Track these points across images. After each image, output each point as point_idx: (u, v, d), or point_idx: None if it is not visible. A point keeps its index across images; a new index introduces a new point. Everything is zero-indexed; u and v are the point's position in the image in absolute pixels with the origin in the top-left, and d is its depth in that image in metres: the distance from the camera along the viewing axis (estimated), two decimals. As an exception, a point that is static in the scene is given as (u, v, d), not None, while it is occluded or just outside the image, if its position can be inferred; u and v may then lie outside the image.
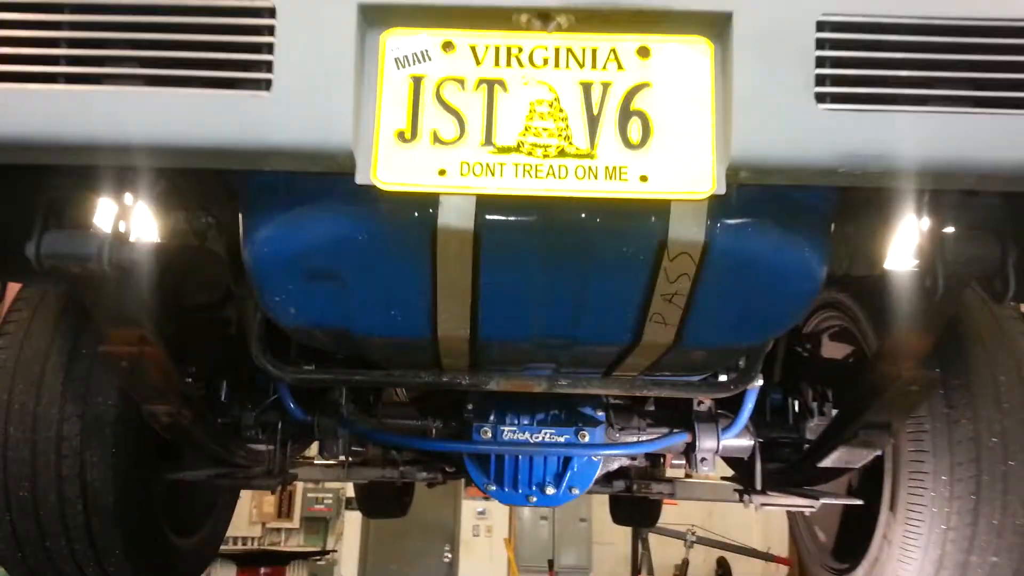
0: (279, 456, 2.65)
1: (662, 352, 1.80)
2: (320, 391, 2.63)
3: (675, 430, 2.64)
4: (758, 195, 1.40)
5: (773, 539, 13.28)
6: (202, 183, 1.59)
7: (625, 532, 12.65)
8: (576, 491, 2.62)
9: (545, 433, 2.51)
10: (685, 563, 11.89)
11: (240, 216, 1.56)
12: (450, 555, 13.52)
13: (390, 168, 1.23)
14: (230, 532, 12.84)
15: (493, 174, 1.22)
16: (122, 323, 1.74)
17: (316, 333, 1.79)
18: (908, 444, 2.19)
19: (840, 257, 1.73)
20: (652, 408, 2.82)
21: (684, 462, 2.80)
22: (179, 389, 2.01)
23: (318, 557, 13.17)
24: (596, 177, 1.23)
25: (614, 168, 1.23)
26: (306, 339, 1.91)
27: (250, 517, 14.09)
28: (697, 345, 1.75)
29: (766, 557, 12.21)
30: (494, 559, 13.22)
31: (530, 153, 1.23)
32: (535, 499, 2.61)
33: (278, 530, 14.25)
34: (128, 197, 1.50)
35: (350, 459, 3.85)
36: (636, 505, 7.38)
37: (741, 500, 2.79)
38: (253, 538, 14.09)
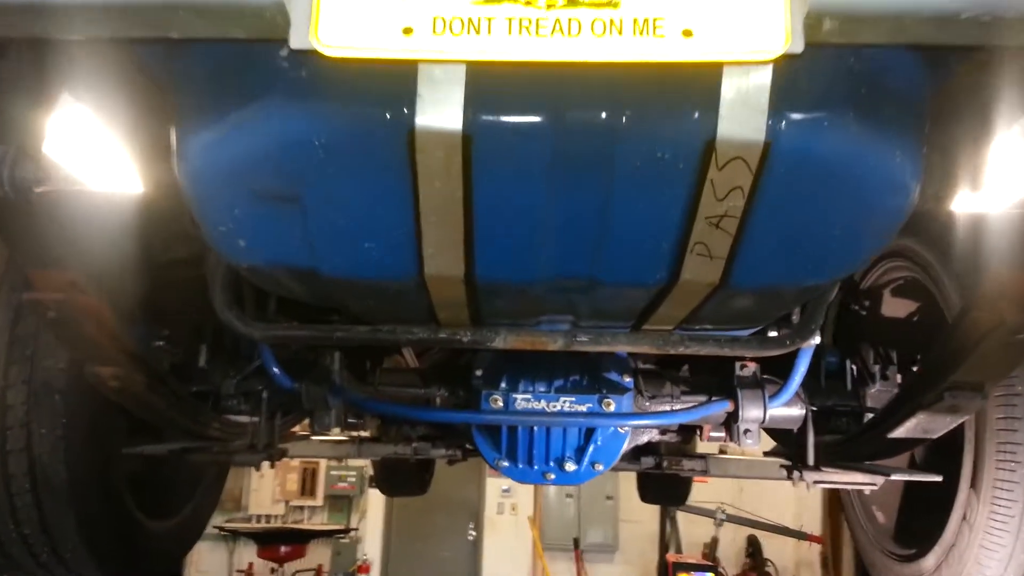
0: (265, 429, 2.35)
1: (704, 296, 1.45)
2: (311, 357, 2.32)
3: (715, 398, 2.29)
4: (839, 73, 1.04)
5: (806, 517, 12.91)
6: (126, 83, 1.26)
7: (653, 510, 12.35)
8: (600, 467, 2.29)
9: (564, 401, 2.18)
10: (715, 541, 11.61)
11: (172, 125, 1.24)
12: (474, 533, 13.34)
13: (336, 27, 0.90)
14: (254, 510, 12.73)
15: (478, 31, 0.88)
16: (45, 264, 1.44)
17: (279, 276, 1.46)
18: (996, 411, 1.84)
19: (934, 176, 1.35)
20: (687, 373, 2.48)
21: (723, 434, 2.45)
22: (128, 349, 1.70)
23: (341, 535, 13.05)
24: (620, 33, 0.88)
25: (645, 20, 0.88)
26: (273, 286, 1.59)
27: (273, 495, 14.03)
28: (750, 287, 1.40)
29: (799, 535, 11.88)
30: (519, 537, 13.02)
31: (528, 2, 0.88)
32: (553, 476, 2.28)
33: (301, 508, 14.14)
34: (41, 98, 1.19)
35: (359, 434, 3.57)
36: (665, 483, 7.05)
37: (789, 478, 2.44)
38: (276, 516, 14.01)
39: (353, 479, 14.07)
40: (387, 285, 1.43)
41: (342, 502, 14.23)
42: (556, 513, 13.27)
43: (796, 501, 13.36)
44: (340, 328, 1.75)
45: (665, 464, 4.52)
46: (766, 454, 3.03)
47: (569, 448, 2.26)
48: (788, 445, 2.54)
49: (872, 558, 2.47)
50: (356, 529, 13.46)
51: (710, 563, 10.77)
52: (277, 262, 1.39)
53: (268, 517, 13.90)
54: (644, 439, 2.56)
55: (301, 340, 1.93)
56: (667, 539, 12.29)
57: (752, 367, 2.28)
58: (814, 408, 2.29)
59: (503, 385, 2.22)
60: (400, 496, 8.86)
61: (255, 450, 2.29)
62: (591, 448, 2.25)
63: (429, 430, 3.38)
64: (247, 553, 12.87)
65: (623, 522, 13.11)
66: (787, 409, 2.29)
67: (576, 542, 12.69)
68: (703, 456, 4.55)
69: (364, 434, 4.51)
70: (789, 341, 1.75)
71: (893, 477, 1.94)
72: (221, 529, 12.95)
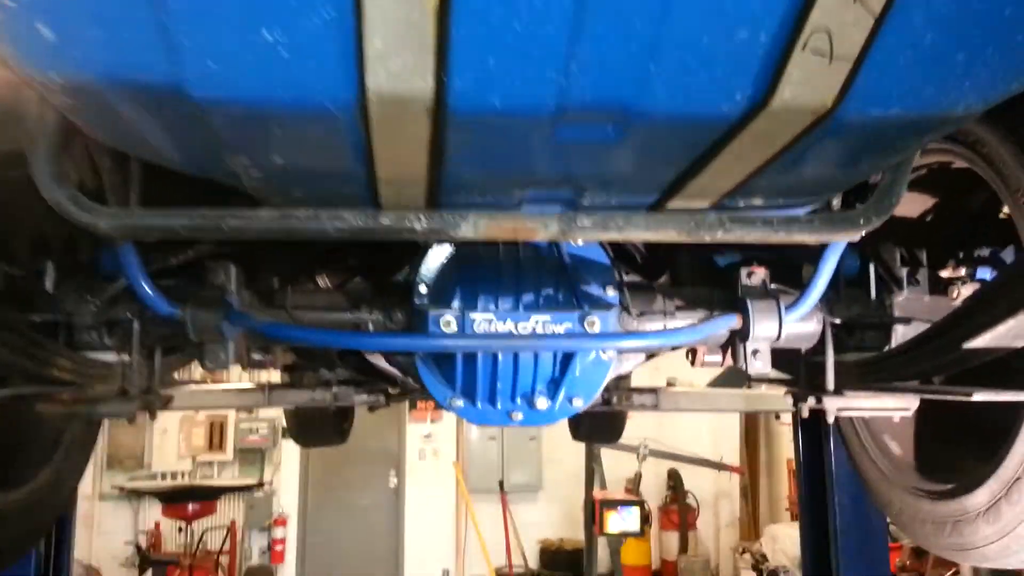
0: (140, 370, 1.77)
1: (795, 136, 0.95)
2: (195, 272, 1.74)
3: (717, 312, 1.85)
4: None
5: (724, 448, 13.10)
6: None
7: (576, 448, 12.23)
8: (579, 403, 1.82)
9: (537, 321, 1.69)
10: (638, 476, 11.64)
11: None
12: (396, 480, 13.01)
13: None
14: (158, 467, 11.95)
15: None
16: None
17: (121, 105, 0.89)
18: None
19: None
20: (679, 287, 2.03)
21: (720, 358, 2.02)
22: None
23: (254, 489, 12.47)
24: None
25: None
26: (114, 133, 1.02)
27: (179, 451, 13.30)
28: (873, 115, 0.91)
29: (719, 467, 12.05)
30: (442, 483, 12.78)
31: None
32: (521, 416, 1.80)
33: (210, 464, 13.44)
34: None
35: (267, 381, 3.07)
36: (601, 420, 6.75)
37: (794, 406, 2.04)
38: (183, 472, 13.29)
39: (265, 431, 13.53)
40: (301, 120, 0.88)
41: (254, 455, 13.62)
42: (480, 456, 13.10)
43: (714, 432, 13.55)
44: (233, 214, 1.19)
45: (615, 400, 4.09)
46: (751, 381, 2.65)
47: (541, 380, 1.79)
48: (793, 368, 2.13)
49: (889, 497, 2.11)
50: (270, 483, 12.89)
51: (635, 498, 10.76)
52: (114, 71, 0.81)
53: (174, 474, 13.18)
54: (628, 366, 2.11)
55: (172, 233, 1.31)
56: (591, 477, 12.24)
57: (761, 273, 1.84)
58: (836, 321, 1.88)
59: (456, 303, 1.72)
60: (317, 447, 8.33)
61: (126, 397, 1.72)
62: (567, 379, 1.79)
63: (352, 372, 2.86)
64: (153, 512, 12.15)
65: (547, 462, 13.00)
66: (803, 324, 1.87)
67: (501, 484, 12.50)
68: (653, 390, 4.16)
69: (272, 379, 3.95)
70: (863, 219, 1.30)
71: (976, 398, 1.53)
72: (122, 489, 12.16)
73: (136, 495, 12.17)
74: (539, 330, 1.68)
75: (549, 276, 1.74)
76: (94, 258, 1.80)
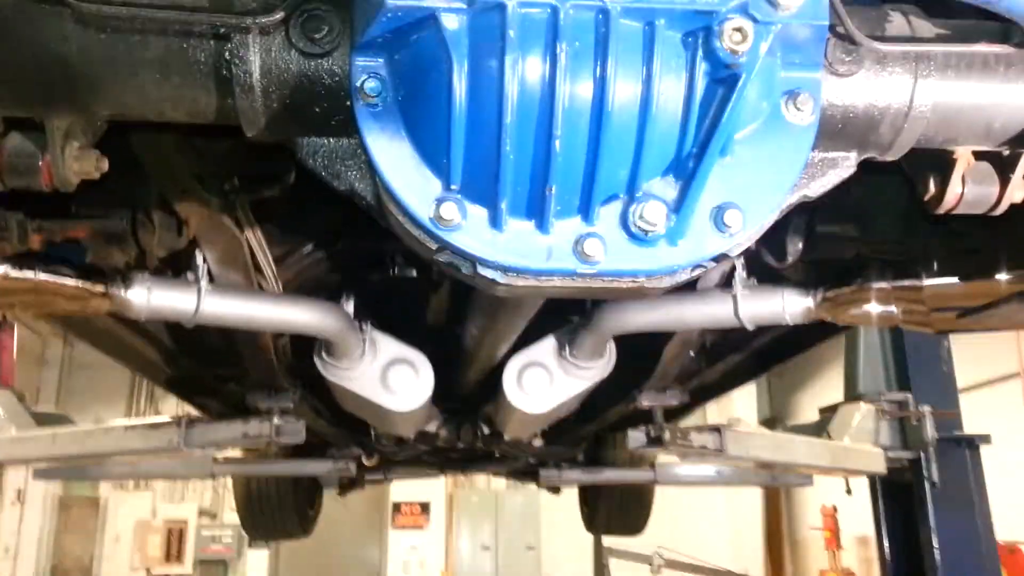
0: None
1: None
2: None
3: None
4: None
5: (746, 554, 11.83)
6: None
7: (581, 559, 10.97)
8: (736, 223, 0.78)
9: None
10: (652, 591, 10.30)
11: None
12: (376, 596, 11.66)
13: None
14: (107, 582, 10.27)
15: None
16: None
17: None
18: None
19: None
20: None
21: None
22: None
23: (213, 606, 11.06)
24: None
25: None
26: None
27: (131, 562, 11.87)
28: None
29: (744, 583, 10.73)
30: (428, 598, 11.44)
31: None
32: (599, 253, 0.76)
33: (166, 576, 11.99)
34: None
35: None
36: (621, 502, 5.53)
37: None
38: (136, 588, 11.85)
39: (229, 539, 12.20)
40: None
41: (216, 567, 12.26)
42: (471, 569, 11.82)
43: (734, 537, 12.20)
44: None
45: (666, 439, 3.08)
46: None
47: (657, 155, 0.75)
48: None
49: None
50: (231, 597, 11.50)
51: (650, 617, 9.38)
52: None
53: (125, 590, 11.78)
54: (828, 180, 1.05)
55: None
56: (598, 591, 10.84)
57: None
58: None
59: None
60: (275, 539, 7.00)
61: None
62: (718, 163, 0.76)
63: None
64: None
65: (547, 576, 11.63)
66: None
67: (495, 601, 11.13)
68: (716, 428, 3.11)
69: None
70: None
71: None
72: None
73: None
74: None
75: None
76: None
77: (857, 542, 10.29)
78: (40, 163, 0.86)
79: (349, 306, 1.97)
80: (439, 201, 0.74)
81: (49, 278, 1.56)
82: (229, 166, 1.71)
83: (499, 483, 13.02)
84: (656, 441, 2.85)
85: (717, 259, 0.80)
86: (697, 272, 0.82)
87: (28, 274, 1.54)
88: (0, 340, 4.38)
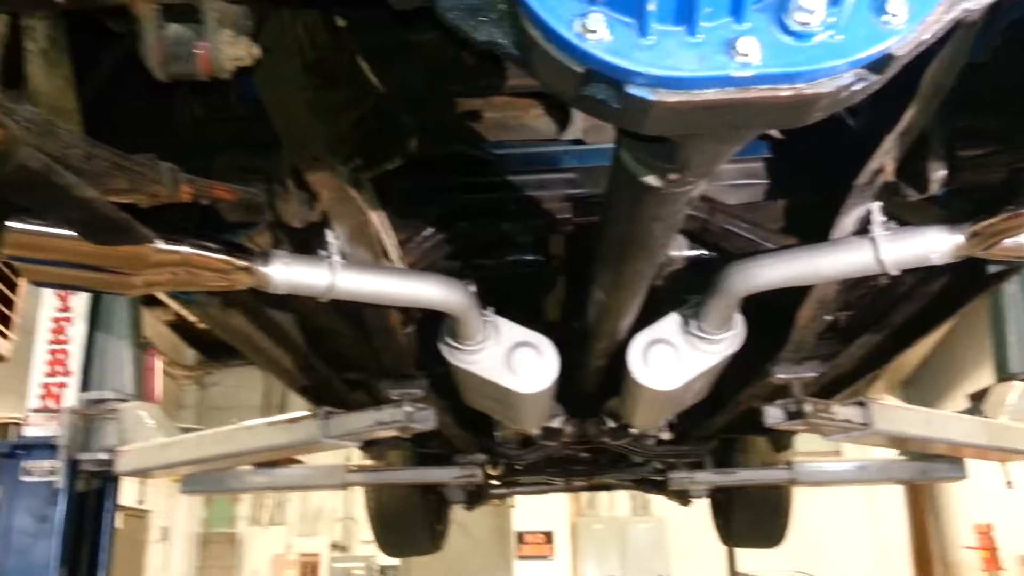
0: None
1: None
2: None
3: None
4: None
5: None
6: None
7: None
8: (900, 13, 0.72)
9: None
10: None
11: None
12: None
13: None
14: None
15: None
16: None
17: None
18: None
19: None
20: None
21: None
22: None
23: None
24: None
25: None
26: None
27: (268, 597, 12.24)
28: None
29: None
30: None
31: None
32: (755, 52, 0.72)
33: (302, 611, 12.25)
34: None
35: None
36: (758, 511, 5.27)
37: None
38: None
39: (361, 571, 12.38)
40: None
41: (349, 600, 12.38)
42: None
43: (880, 559, 11.46)
44: None
45: (807, 411, 2.94)
46: None
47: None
48: None
49: None
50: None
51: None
52: None
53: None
54: None
55: None
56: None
57: None
58: None
59: None
60: (408, 555, 7.07)
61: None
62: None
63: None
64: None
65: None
66: None
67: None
68: (860, 403, 2.91)
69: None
70: None
71: None
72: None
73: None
74: None
75: None
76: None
77: (1019, 561, 9.42)
78: (197, 51, 0.91)
79: (471, 290, 1.98)
80: (583, 15, 0.73)
81: (196, 251, 1.63)
82: (355, 137, 1.76)
83: (622, 510, 12.70)
84: (796, 415, 2.69)
85: (882, 64, 0.75)
86: (860, 87, 0.77)
87: (177, 247, 1.62)
88: (146, 361, 4.64)
